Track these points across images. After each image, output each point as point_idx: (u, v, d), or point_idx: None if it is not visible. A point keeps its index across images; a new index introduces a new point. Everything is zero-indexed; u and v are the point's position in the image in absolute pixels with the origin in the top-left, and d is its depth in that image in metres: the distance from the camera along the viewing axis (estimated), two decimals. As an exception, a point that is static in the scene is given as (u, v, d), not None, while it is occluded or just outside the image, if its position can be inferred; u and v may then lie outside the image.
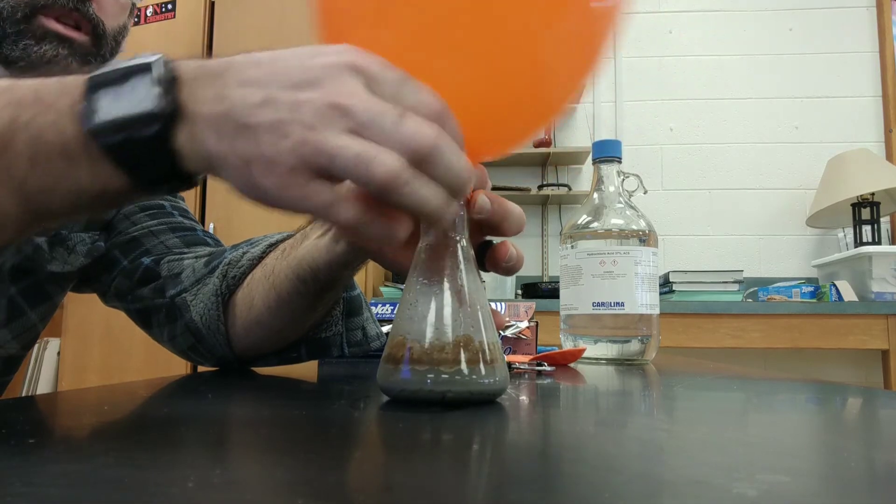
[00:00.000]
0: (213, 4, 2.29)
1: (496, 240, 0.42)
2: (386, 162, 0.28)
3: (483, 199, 0.38)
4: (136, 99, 0.30)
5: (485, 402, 0.35)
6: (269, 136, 0.29)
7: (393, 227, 0.30)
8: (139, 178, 0.31)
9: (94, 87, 0.31)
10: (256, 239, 0.61)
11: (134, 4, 0.65)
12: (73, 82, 0.32)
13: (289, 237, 0.57)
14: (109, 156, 0.30)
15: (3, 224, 0.32)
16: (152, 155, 0.30)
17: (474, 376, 0.34)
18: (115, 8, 0.60)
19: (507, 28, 0.33)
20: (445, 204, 0.30)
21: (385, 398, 0.37)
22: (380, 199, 0.29)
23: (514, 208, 0.39)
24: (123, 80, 0.30)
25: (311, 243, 0.51)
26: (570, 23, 0.35)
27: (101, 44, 0.58)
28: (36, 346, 2.43)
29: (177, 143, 0.30)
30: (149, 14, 2.32)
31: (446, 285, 0.36)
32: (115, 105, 0.30)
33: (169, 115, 0.29)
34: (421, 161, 0.29)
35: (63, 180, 0.31)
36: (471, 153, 0.38)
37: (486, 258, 0.40)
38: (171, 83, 0.30)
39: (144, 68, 0.30)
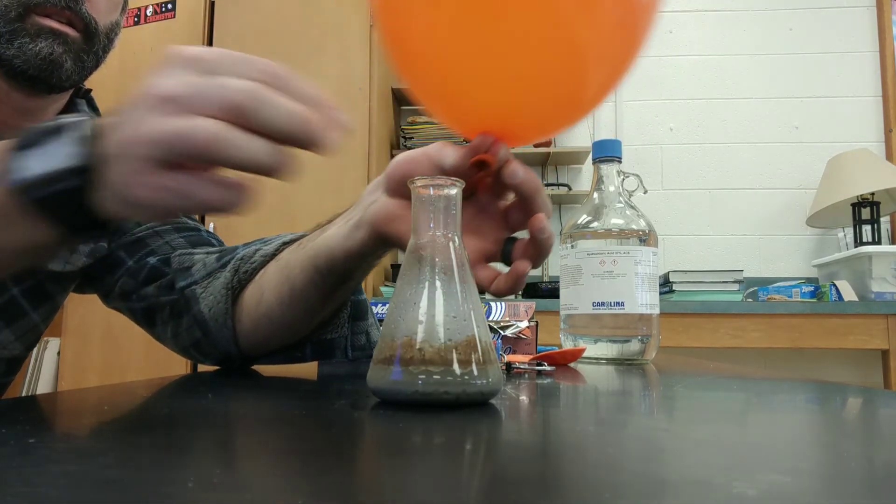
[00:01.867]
0: (213, 4, 2.29)
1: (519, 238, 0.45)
2: (203, 127, 0.29)
3: (516, 165, 0.40)
4: (60, 155, 0.32)
5: (477, 404, 0.35)
6: (128, 149, 0.31)
7: (233, 194, 0.32)
8: (68, 227, 0.34)
9: (21, 147, 0.33)
10: (270, 238, 0.62)
11: (126, 1, 0.64)
12: (2, 147, 0.34)
13: (303, 236, 0.57)
14: (39, 210, 0.33)
15: None
16: (78, 204, 0.33)
17: (466, 377, 0.34)
18: (107, 5, 0.60)
19: (550, 15, 0.36)
20: (277, 154, 0.31)
21: (385, 398, 0.37)
22: (212, 163, 0.31)
23: (545, 190, 0.42)
24: (49, 137, 0.33)
25: (331, 232, 0.51)
26: (611, 13, 0.37)
27: (94, 41, 0.58)
28: (36, 345, 2.43)
29: (98, 190, 0.33)
30: (149, 14, 2.32)
31: (438, 285, 0.35)
32: (41, 162, 0.32)
33: (90, 167, 0.32)
34: (240, 116, 0.30)
35: (1, 240, 0.35)
36: (507, 136, 0.41)
37: (513, 252, 0.42)
38: (92, 139, 0.32)
39: (69, 127, 0.33)
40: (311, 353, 0.61)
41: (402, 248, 0.44)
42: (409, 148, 2.04)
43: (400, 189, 0.46)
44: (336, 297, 0.56)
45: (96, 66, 0.61)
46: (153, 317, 0.63)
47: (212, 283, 0.59)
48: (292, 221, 2.07)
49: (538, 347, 0.75)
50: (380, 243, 0.49)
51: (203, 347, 0.61)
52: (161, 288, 0.62)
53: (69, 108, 0.65)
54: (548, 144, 2.46)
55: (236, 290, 0.58)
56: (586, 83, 0.41)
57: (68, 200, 0.33)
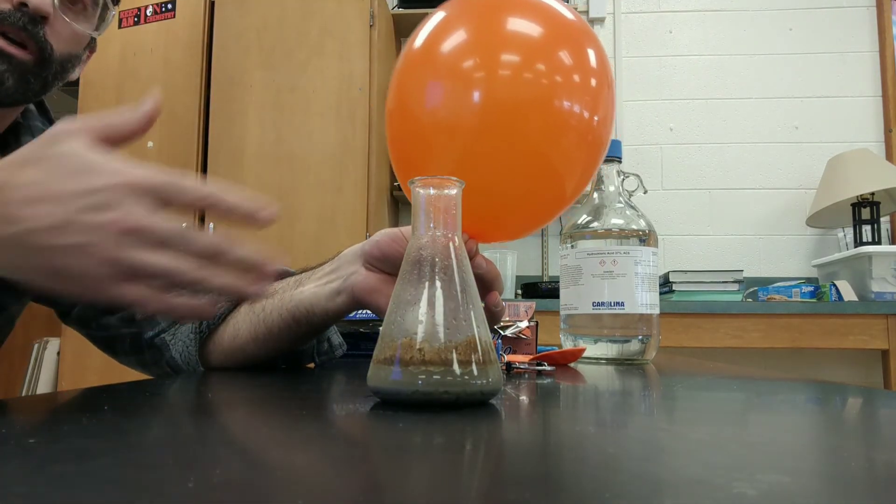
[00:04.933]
0: (213, 4, 2.29)
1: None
2: (187, 270, 0.35)
3: (480, 258, 0.50)
4: None
5: (477, 403, 0.35)
6: (73, 257, 0.33)
7: (197, 309, 0.37)
8: None
9: None
10: None
11: (94, 39, 0.64)
12: None
13: None
14: None
15: None
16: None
17: (466, 377, 0.34)
18: (68, 35, 0.60)
19: (527, 146, 0.47)
20: (244, 283, 0.37)
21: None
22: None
23: (500, 273, 0.52)
24: None
25: (312, 291, 0.56)
26: (570, 142, 0.49)
27: (46, 66, 0.58)
28: (36, 345, 2.42)
29: None
30: (149, 14, 2.32)
31: (438, 285, 0.35)
32: None
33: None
34: (214, 257, 0.36)
35: None
36: (479, 236, 0.51)
37: None
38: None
39: None
40: (282, 362, 0.65)
41: (380, 315, 0.51)
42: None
43: (378, 265, 0.52)
44: (309, 338, 0.61)
45: (44, 90, 0.61)
46: (114, 346, 0.66)
47: (179, 329, 0.63)
48: (292, 221, 2.07)
49: (538, 347, 0.75)
50: (357, 306, 0.54)
51: (173, 376, 0.64)
52: (123, 320, 0.64)
53: (21, 120, 0.65)
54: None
55: (204, 334, 0.62)
56: (558, 195, 0.51)
57: None
